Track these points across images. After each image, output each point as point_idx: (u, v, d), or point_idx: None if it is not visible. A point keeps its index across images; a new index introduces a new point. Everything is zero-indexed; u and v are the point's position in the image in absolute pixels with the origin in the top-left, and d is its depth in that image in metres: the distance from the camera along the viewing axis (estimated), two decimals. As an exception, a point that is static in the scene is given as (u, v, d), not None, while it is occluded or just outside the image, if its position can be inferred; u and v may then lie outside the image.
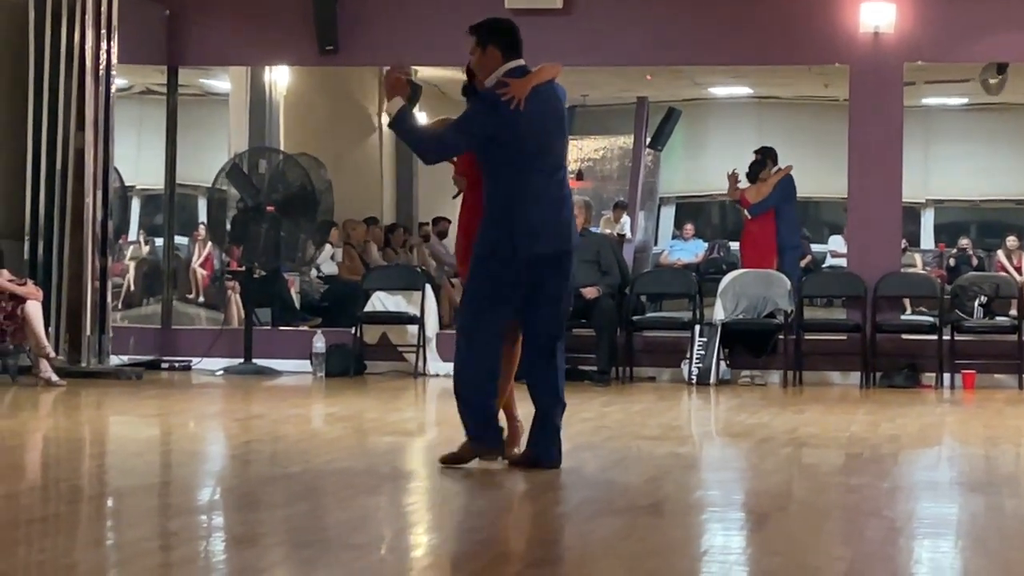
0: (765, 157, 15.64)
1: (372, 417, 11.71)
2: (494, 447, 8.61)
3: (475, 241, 8.47)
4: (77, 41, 14.86)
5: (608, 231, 17.26)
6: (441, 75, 15.49)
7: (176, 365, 15.56)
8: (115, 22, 14.89)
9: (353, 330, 15.34)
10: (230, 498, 8.22)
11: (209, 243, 16.98)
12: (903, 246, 15.86)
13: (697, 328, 14.86)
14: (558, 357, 8.76)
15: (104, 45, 14.90)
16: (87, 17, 14.86)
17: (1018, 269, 17.19)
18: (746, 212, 15.64)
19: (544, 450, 8.61)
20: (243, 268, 15.71)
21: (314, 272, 17.14)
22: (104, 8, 14.88)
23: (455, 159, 8.76)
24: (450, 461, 8.58)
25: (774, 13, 15.14)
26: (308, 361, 15.24)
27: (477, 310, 8.47)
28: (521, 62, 8.50)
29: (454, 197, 8.93)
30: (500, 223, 8.37)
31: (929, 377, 14.73)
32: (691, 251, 18.38)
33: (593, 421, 11.46)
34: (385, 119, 8.74)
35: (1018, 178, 18.22)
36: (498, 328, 8.48)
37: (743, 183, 15.64)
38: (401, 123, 8.39)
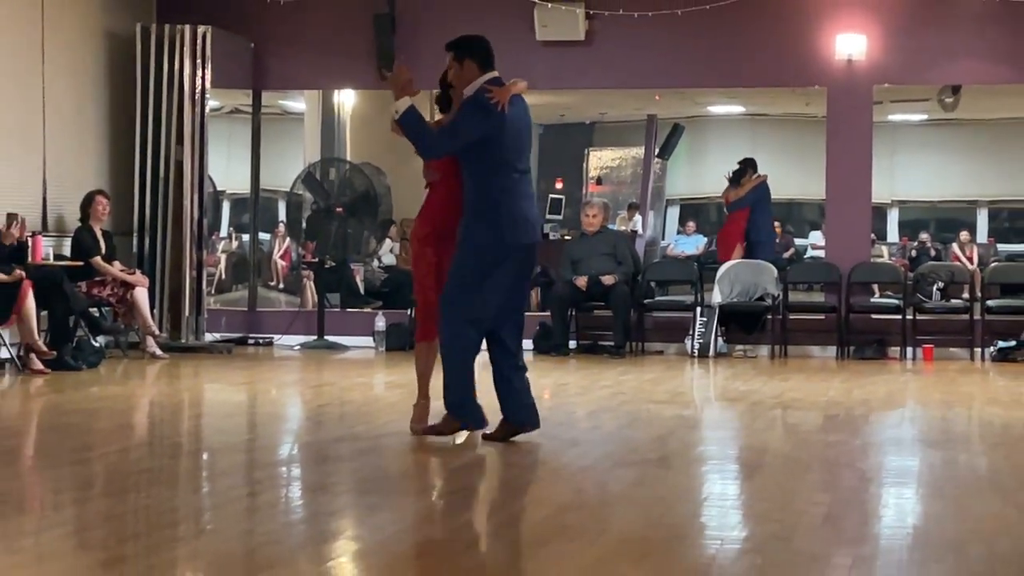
0: (746, 166, 15.66)
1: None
2: (477, 425, 8.11)
3: (462, 233, 8.05)
4: (177, 69, 14.89)
5: (623, 228, 17.21)
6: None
7: (260, 341, 15.58)
8: (208, 53, 14.91)
9: (409, 311, 15.33)
10: (306, 453, 8.23)
11: (287, 238, 16.98)
12: (872, 240, 15.79)
13: (698, 310, 14.82)
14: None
15: (199, 72, 14.92)
16: (185, 49, 14.89)
17: (970, 259, 17.08)
18: (726, 209, 15.74)
19: (514, 413, 8.16)
20: (316, 260, 15.73)
21: (376, 263, 17.14)
22: (199, 41, 14.90)
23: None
24: (429, 432, 8.15)
25: (763, 43, 15.09)
26: (371, 338, 15.25)
27: (469, 293, 7.96)
28: (496, 74, 8.16)
29: (426, 187, 8.44)
30: (488, 217, 7.98)
31: (894, 351, 14.68)
32: (693, 244, 18.31)
33: (611, 388, 11.44)
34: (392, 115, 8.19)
35: (969, 182, 18.13)
36: (487, 312, 8.01)
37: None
38: (410, 120, 8.05)
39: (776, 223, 16.42)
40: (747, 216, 15.53)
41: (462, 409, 8.08)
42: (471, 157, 8.05)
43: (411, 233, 8.48)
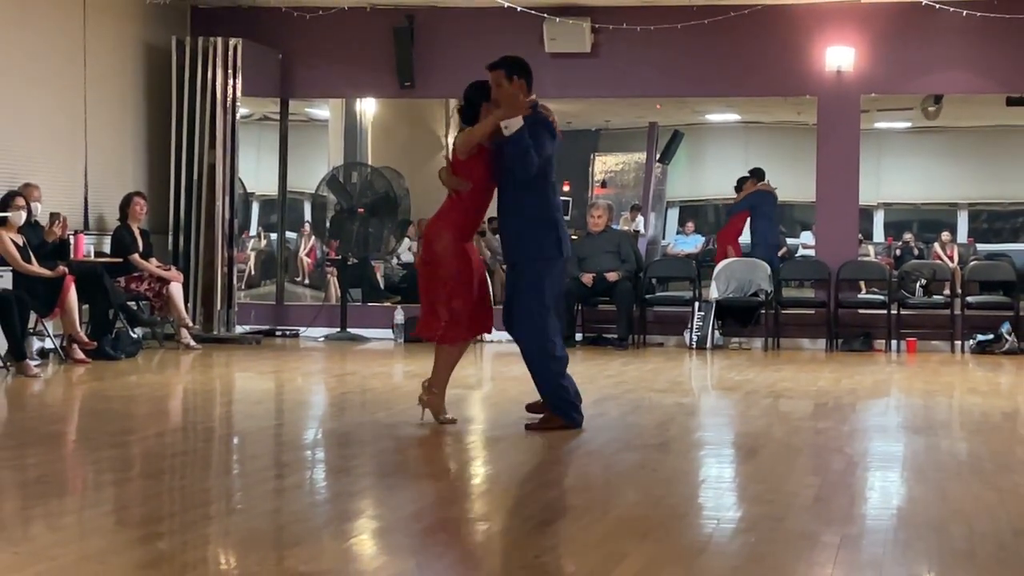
0: (751, 175, 15.77)
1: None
2: (574, 423, 8.13)
3: (527, 247, 7.94)
4: (210, 79, 14.89)
5: (626, 228, 17.21)
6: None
7: (287, 333, 15.59)
8: (239, 63, 14.91)
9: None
10: (329, 437, 8.24)
11: (313, 237, 17.00)
12: (859, 239, 15.77)
13: (696, 304, 14.81)
14: None
15: (231, 82, 14.92)
16: (217, 60, 14.89)
17: (951, 258, 17.08)
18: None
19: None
20: (339, 257, 15.73)
21: (395, 260, 17.14)
22: (231, 52, 14.90)
23: (458, 161, 8.00)
24: (536, 428, 8.05)
25: (757, 55, 15.07)
26: (390, 330, 15.26)
27: (548, 304, 7.99)
28: (534, 96, 8.04)
29: (451, 195, 8.05)
30: (551, 230, 7.92)
31: (880, 343, 14.66)
32: (691, 244, 18.31)
33: (615, 377, 11.44)
34: (477, 133, 7.89)
35: (951, 186, 18.13)
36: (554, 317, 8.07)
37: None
38: (522, 139, 7.75)
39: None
40: (745, 220, 15.58)
41: (570, 410, 8.13)
42: (534, 171, 7.87)
43: (438, 242, 8.04)
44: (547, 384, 8.11)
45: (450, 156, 8.23)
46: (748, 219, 15.55)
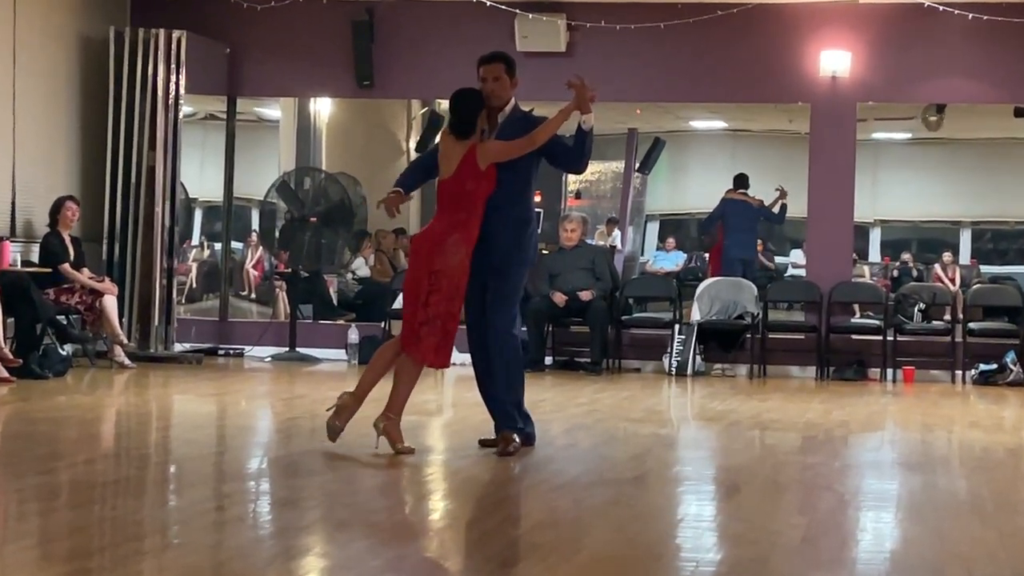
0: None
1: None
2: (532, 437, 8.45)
3: (517, 251, 8.21)
4: (150, 73, 14.86)
5: (601, 243, 17.23)
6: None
7: (231, 352, 15.55)
8: (183, 57, 14.88)
9: (383, 324, 15.33)
10: (275, 467, 8.22)
11: (260, 248, 16.97)
12: (854, 259, 15.83)
13: (676, 327, 14.83)
14: None
15: (173, 77, 14.89)
16: (159, 53, 14.86)
17: (952, 280, 17.16)
18: None
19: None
20: (289, 270, 15.71)
21: (350, 275, 17.13)
22: (174, 45, 14.87)
23: (476, 171, 8.14)
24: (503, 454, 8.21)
25: (746, 58, 15.13)
26: (344, 351, 15.23)
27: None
28: None
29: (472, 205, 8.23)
30: (532, 233, 8.31)
31: (875, 372, 14.71)
32: (672, 261, 18.36)
33: (587, 405, 11.45)
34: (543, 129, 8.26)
35: (953, 202, 18.22)
36: None
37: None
38: (592, 134, 8.32)
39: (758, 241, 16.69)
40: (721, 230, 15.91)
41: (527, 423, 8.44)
42: (533, 174, 8.31)
43: (455, 255, 8.11)
44: (519, 391, 8.32)
45: (453, 164, 8.19)
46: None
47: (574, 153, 8.40)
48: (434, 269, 8.09)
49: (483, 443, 8.44)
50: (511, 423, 8.31)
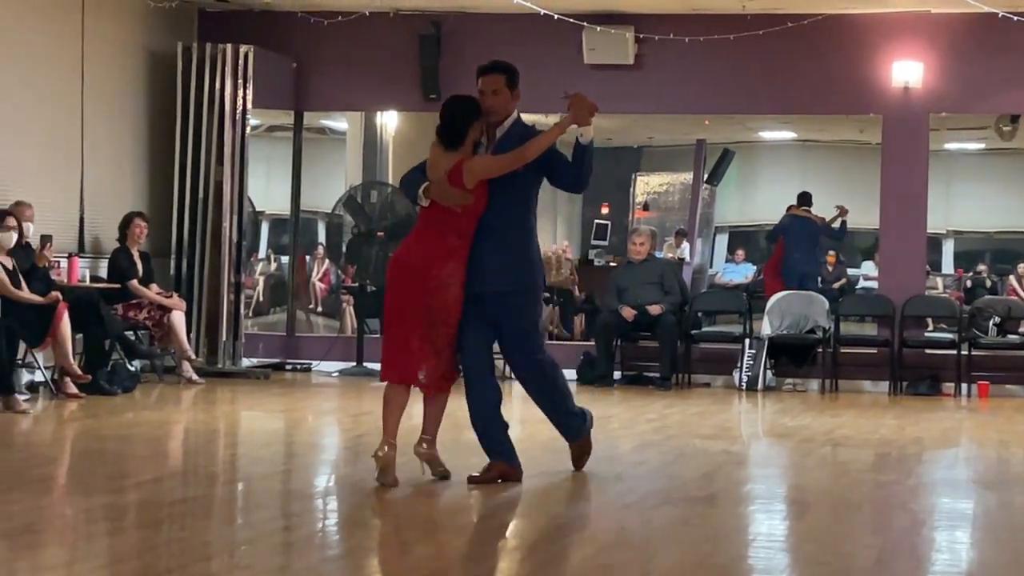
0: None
1: (464, 415, 11.68)
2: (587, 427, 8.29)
3: (535, 278, 7.83)
4: (218, 88, 14.95)
5: (670, 255, 17.20)
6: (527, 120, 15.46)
7: (298, 367, 15.60)
8: (250, 72, 14.96)
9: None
10: (342, 485, 8.23)
11: (327, 261, 17.04)
12: (927, 271, 15.74)
13: (747, 341, 14.77)
14: None
15: (241, 92, 14.97)
16: (226, 68, 14.94)
17: (1027, 293, 17.01)
18: None
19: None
20: (356, 284, 15.76)
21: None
22: (241, 60, 14.96)
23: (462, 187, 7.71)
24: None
25: (817, 69, 15.05)
26: (411, 365, 15.22)
27: None
28: None
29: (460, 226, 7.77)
30: (537, 256, 7.95)
31: (949, 387, 14.58)
32: (742, 273, 18.28)
33: (656, 422, 11.42)
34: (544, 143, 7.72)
35: (1027, 213, 18.07)
36: None
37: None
38: (591, 150, 7.82)
39: (831, 253, 16.61)
40: (782, 246, 15.87)
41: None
42: (533, 196, 7.89)
43: (453, 288, 7.72)
44: (567, 401, 8.15)
45: (439, 176, 7.83)
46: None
47: (573, 170, 7.85)
48: (431, 304, 7.65)
49: (473, 480, 7.90)
50: (575, 434, 8.20)
